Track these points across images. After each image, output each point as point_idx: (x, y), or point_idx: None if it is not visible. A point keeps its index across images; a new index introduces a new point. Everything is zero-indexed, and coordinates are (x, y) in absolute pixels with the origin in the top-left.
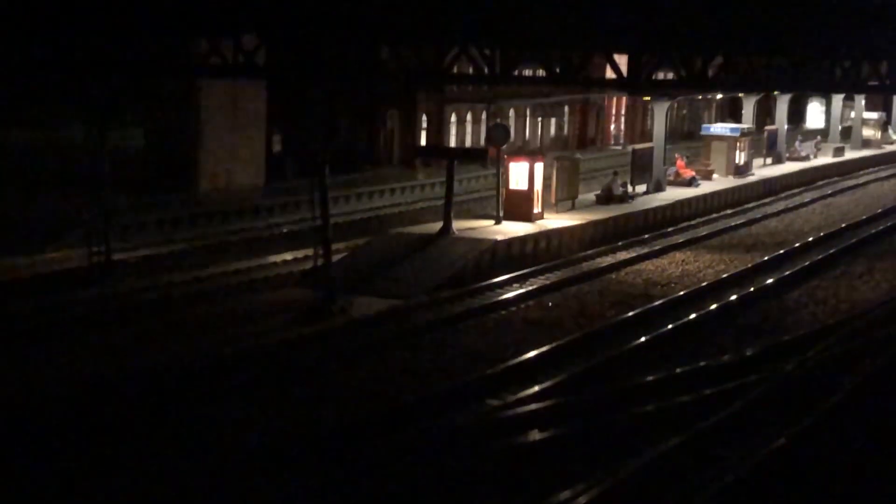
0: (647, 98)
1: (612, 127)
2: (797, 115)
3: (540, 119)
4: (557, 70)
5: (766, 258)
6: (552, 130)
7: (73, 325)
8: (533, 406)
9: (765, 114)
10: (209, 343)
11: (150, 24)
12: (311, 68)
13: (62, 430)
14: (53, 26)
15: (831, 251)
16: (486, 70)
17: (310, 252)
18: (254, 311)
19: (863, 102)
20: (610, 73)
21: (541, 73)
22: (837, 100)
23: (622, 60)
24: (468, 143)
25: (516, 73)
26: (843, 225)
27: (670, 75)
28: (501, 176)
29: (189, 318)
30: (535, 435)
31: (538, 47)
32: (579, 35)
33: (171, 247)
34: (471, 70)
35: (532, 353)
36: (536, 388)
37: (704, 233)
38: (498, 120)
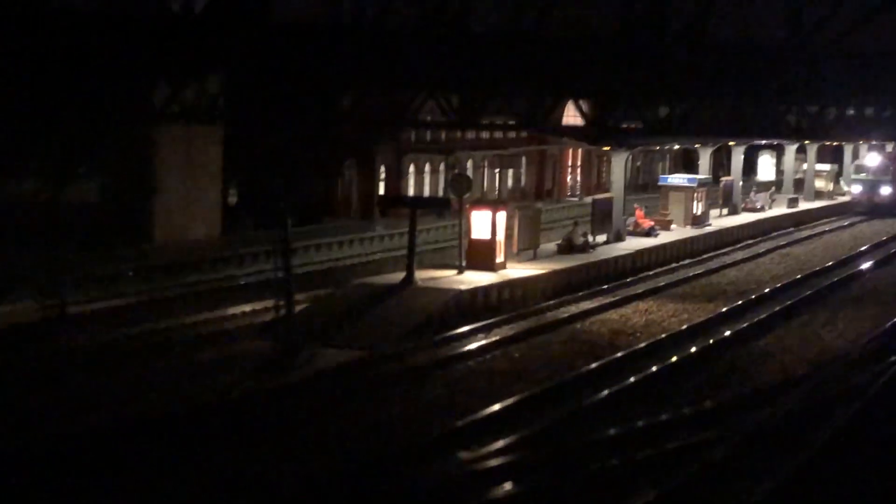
0: (608, 147)
1: (569, 178)
2: (748, 167)
3: (497, 171)
4: (525, 116)
5: (729, 307)
6: (510, 182)
7: (24, 379)
8: (503, 459)
9: (717, 166)
10: (167, 397)
11: (112, 67)
12: (275, 114)
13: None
14: (13, 70)
15: (794, 300)
16: (451, 116)
17: (269, 304)
18: (214, 364)
19: (815, 154)
20: (573, 120)
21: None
22: (790, 152)
23: (587, 110)
24: (426, 193)
25: (483, 119)
26: (802, 274)
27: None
28: (464, 225)
29: (147, 372)
30: (506, 488)
31: (506, 93)
32: (547, 81)
33: (128, 299)
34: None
35: (500, 405)
36: (506, 441)
37: (666, 282)
38: (457, 170)
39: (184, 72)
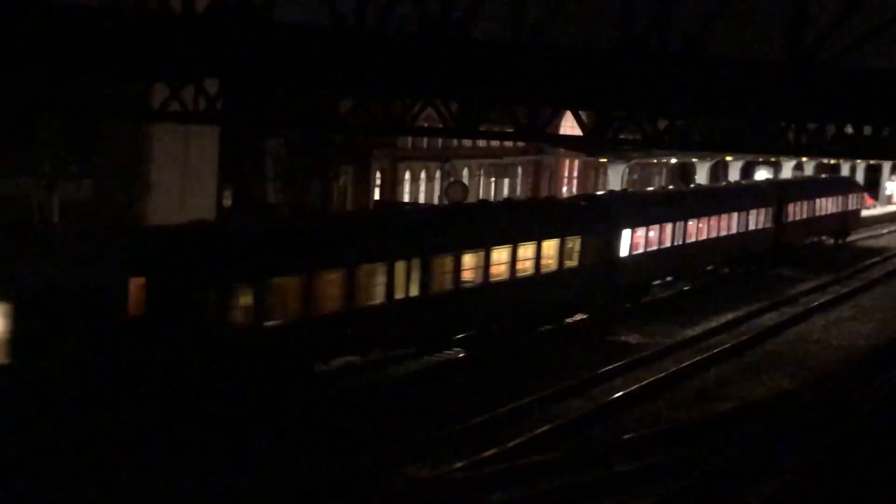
0: (605, 160)
1: (565, 189)
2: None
3: (493, 179)
4: (523, 126)
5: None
6: (505, 190)
7: None
8: None
9: (714, 179)
10: None
11: (107, 68)
12: (272, 117)
13: None
14: (5, 66)
15: None
16: (451, 124)
17: None
18: None
19: (811, 168)
20: (571, 130)
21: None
22: (787, 167)
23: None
24: (421, 200)
25: (481, 128)
26: None
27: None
28: None
29: None
30: None
31: (504, 103)
32: (546, 92)
33: None
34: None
35: None
36: None
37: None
38: (452, 178)
39: (183, 73)
